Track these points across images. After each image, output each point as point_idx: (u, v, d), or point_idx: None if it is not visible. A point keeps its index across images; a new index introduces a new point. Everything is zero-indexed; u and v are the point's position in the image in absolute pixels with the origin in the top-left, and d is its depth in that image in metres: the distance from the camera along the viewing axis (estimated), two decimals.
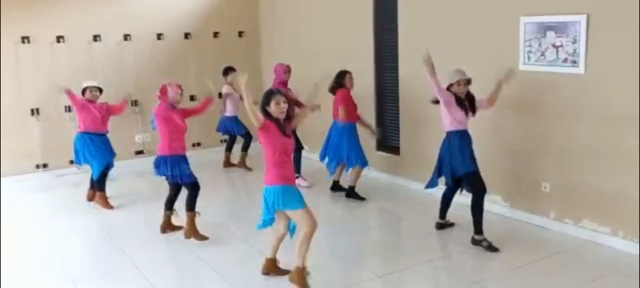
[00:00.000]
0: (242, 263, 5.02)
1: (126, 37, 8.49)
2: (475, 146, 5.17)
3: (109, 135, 6.74)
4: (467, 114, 5.08)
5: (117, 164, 7.09)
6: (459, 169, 5.05)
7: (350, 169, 6.61)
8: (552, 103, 5.30)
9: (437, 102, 5.14)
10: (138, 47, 8.54)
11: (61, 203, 7.10)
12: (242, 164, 8.22)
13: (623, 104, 4.76)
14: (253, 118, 4.08)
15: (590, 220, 5.16)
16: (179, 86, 5.47)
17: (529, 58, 5.40)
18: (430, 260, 4.95)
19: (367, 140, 6.98)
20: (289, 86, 6.98)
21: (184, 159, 5.42)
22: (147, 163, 7.79)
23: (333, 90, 6.51)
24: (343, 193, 6.76)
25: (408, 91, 6.84)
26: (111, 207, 6.62)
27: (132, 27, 8.50)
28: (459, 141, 5.05)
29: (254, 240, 5.37)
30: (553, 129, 5.33)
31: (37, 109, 8.03)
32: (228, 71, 8.11)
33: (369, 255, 5.37)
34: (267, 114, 4.17)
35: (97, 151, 6.52)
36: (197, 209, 5.46)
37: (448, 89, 5.04)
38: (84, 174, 7.29)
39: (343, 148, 6.51)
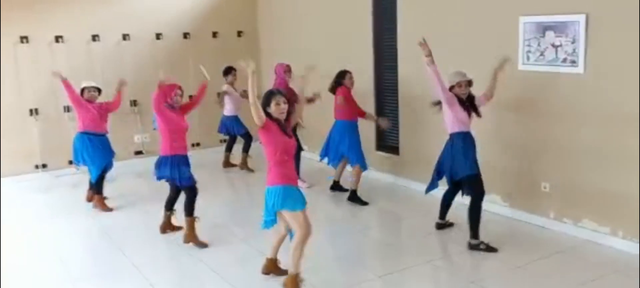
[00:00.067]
0: (242, 264, 5.02)
1: (125, 37, 8.48)
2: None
3: (108, 136, 6.72)
4: (469, 115, 5.05)
5: (117, 164, 7.08)
6: (460, 172, 5.02)
7: (351, 170, 6.60)
8: (552, 103, 5.30)
9: (438, 103, 5.13)
10: (137, 47, 8.53)
11: (60, 203, 7.10)
12: (244, 165, 8.20)
13: (622, 104, 4.77)
14: (255, 114, 4.03)
15: (590, 220, 5.17)
16: (180, 87, 5.46)
17: (528, 58, 5.40)
18: (430, 260, 4.95)
19: (368, 140, 6.98)
20: (291, 85, 6.98)
21: (185, 160, 5.40)
22: (146, 163, 7.81)
23: (333, 90, 6.52)
24: (343, 193, 6.76)
25: (407, 91, 6.85)
26: (110, 209, 6.61)
27: (131, 27, 8.50)
28: (462, 144, 5.00)
29: (254, 241, 5.37)
30: (552, 129, 5.34)
31: (36, 110, 8.03)
32: (229, 71, 8.11)
33: (369, 255, 5.37)
34: (267, 114, 4.16)
35: (95, 153, 6.50)
36: (197, 209, 5.45)
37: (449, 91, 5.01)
38: (83, 174, 7.27)
39: (344, 146, 6.51)
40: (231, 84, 8.11)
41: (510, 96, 5.49)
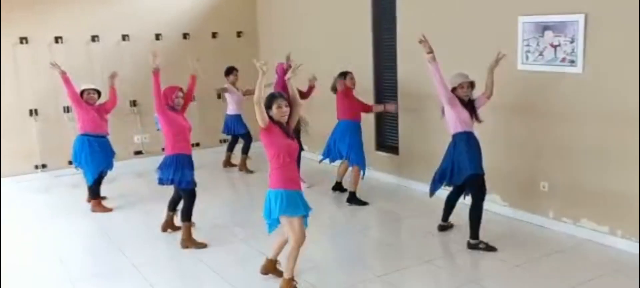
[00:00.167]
0: (242, 264, 5.02)
1: (124, 37, 8.48)
2: None
3: (109, 137, 6.70)
4: (471, 116, 5.03)
5: (117, 164, 7.06)
6: (464, 172, 4.98)
7: (349, 169, 6.60)
8: (551, 103, 5.31)
9: (443, 110, 5.10)
10: (137, 48, 8.52)
11: (60, 203, 7.10)
12: (243, 167, 8.19)
13: (621, 103, 4.78)
14: (259, 114, 4.02)
15: (589, 219, 5.18)
16: (180, 89, 5.47)
17: (527, 58, 5.41)
18: (430, 260, 4.96)
19: (368, 140, 6.98)
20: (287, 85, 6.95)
21: (189, 161, 5.36)
22: (146, 163, 7.81)
23: (335, 89, 6.52)
24: (344, 194, 6.74)
25: (407, 91, 6.85)
26: (109, 210, 6.61)
27: (130, 28, 8.50)
28: (466, 145, 4.97)
29: (254, 241, 5.37)
30: (551, 128, 5.34)
31: (36, 110, 8.03)
32: (230, 70, 8.13)
33: (369, 255, 5.38)
34: (269, 117, 4.15)
35: (93, 156, 6.47)
36: (197, 210, 5.45)
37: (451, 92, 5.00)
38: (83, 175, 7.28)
39: (344, 146, 6.50)
40: (232, 83, 8.12)
41: (509, 96, 5.49)
